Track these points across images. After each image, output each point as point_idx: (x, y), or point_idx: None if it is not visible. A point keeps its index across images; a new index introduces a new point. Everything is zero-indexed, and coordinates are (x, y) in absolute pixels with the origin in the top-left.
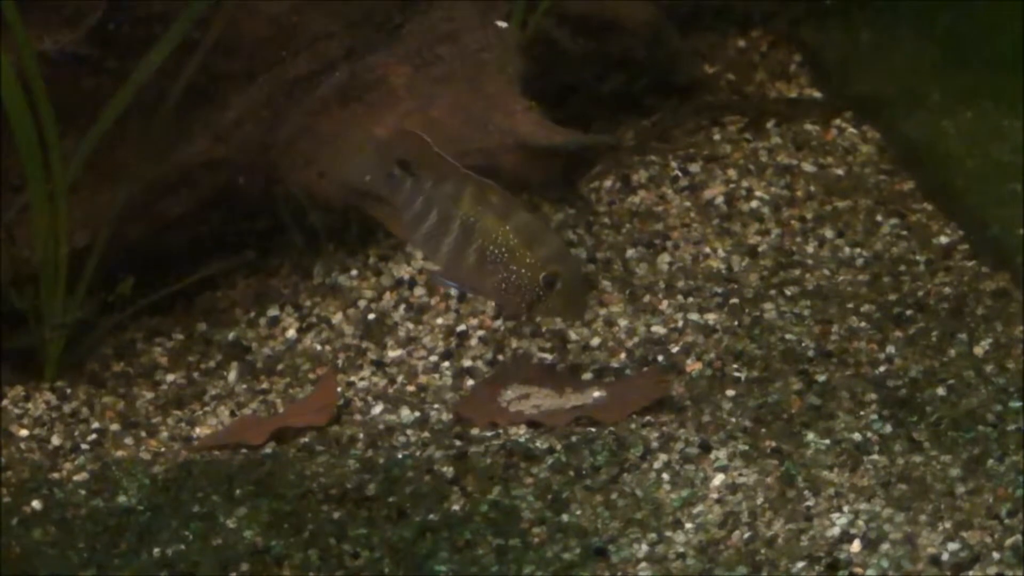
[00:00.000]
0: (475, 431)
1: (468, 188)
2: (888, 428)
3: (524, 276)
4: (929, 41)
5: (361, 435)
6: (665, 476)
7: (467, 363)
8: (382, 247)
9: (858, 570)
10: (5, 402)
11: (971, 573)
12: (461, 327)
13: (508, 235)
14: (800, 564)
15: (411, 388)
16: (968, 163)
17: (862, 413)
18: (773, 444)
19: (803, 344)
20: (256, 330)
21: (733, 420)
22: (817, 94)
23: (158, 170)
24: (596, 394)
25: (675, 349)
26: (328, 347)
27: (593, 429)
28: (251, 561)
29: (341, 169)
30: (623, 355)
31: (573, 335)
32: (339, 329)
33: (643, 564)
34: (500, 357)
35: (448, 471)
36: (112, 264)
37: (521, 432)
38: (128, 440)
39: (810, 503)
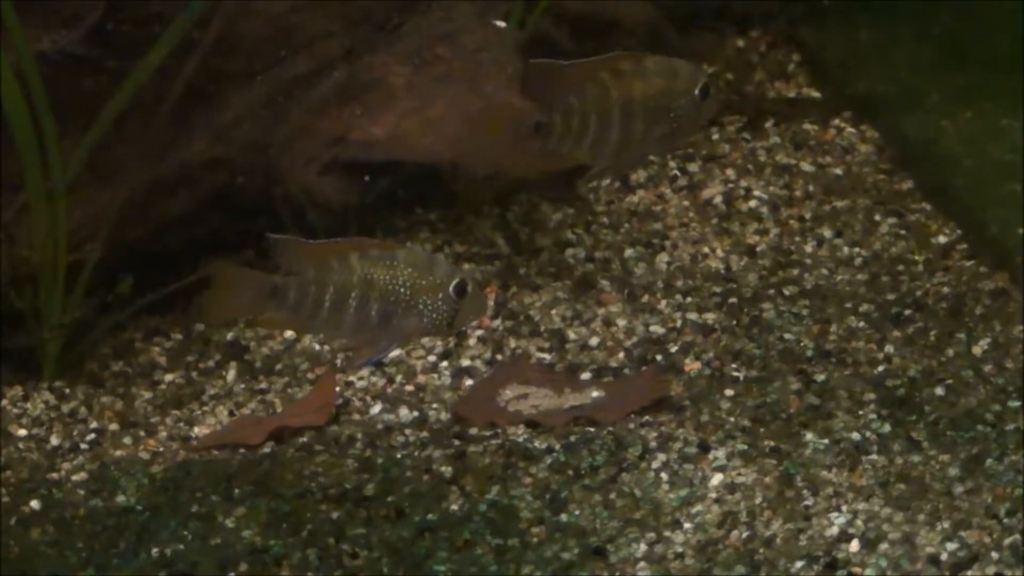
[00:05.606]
0: (474, 431)
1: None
2: (887, 428)
3: (437, 299)
4: (928, 41)
5: (360, 435)
6: (664, 476)
7: (465, 363)
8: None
9: (856, 570)
10: (4, 402)
11: (969, 573)
12: None
13: (404, 274)
14: (799, 564)
15: (410, 388)
16: (967, 163)
17: (861, 413)
18: (772, 444)
19: (802, 344)
20: (255, 330)
21: (732, 420)
22: (816, 94)
23: (157, 170)
24: (595, 394)
25: (674, 349)
26: (326, 347)
27: (592, 429)
28: (250, 561)
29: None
30: (622, 355)
31: (572, 335)
32: None
33: (642, 564)
34: (499, 357)
35: (447, 471)
36: (111, 264)
37: (520, 432)
38: (127, 440)
39: (809, 503)
